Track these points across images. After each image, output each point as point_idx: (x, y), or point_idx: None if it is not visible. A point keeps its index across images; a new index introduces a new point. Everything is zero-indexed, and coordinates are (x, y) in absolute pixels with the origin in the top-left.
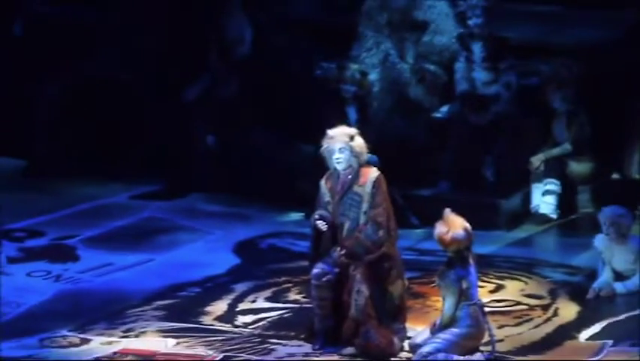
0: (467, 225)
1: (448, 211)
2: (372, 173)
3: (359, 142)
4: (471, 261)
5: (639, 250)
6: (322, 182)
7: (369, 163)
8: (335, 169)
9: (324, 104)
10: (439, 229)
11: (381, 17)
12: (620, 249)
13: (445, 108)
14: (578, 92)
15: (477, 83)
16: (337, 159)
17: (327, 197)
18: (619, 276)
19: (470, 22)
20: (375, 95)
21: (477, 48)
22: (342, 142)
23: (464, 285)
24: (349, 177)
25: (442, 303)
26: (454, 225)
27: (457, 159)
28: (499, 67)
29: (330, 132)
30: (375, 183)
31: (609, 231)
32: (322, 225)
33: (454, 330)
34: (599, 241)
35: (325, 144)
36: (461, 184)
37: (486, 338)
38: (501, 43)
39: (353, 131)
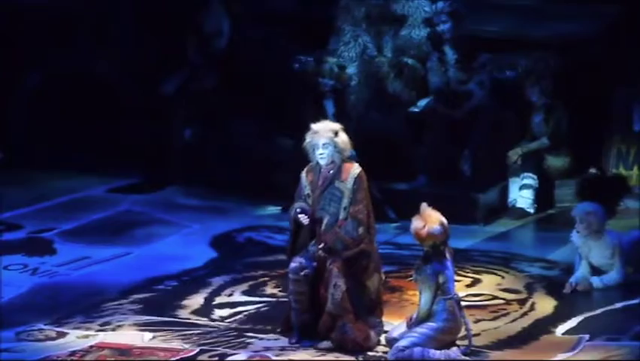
0: (443, 219)
1: (424, 206)
2: (354, 169)
3: (343, 138)
4: (448, 255)
5: (615, 244)
6: (303, 174)
7: (349, 158)
8: (317, 163)
9: (302, 97)
10: (415, 223)
11: (359, 11)
12: (596, 244)
13: (422, 102)
14: (556, 85)
15: (451, 81)
16: (321, 154)
17: (307, 190)
18: (596, 270)
19: (438, 28)
20: (353, 89)
21: (448, 50)
22: (327, 137)
23: (441, 279)
24: (331, 172)
25: (418, 297)
26: (430, 219)
27: (434, 154)
28: (472, 66)
29: (315, 127)
30: (357, 180)
31: (579, 228)
32: (304, 218)
33: (431, 324)
34: (576, 235)
35: (309, 138)
36: (438, 178)
37: (462, 333)
38: (473, 43)
39: (337, 126)
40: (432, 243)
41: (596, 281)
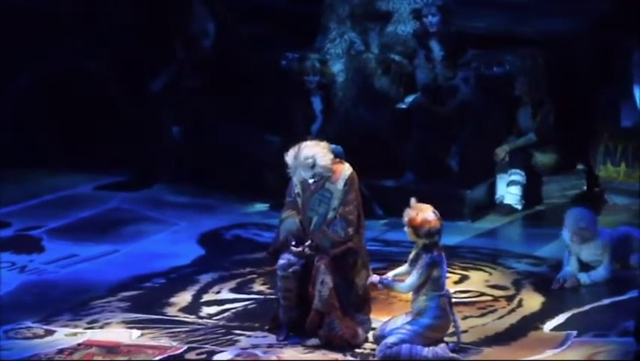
0: (435, 210)
1: (414, 201)
2: (345, 170)
3: (322, 164)
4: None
5: (606, 243)
6: None
7: (335, 155)
8: None
9: (290, 94)
10: (409, 213)
11: (343, 9)
12: (587, 245)
13: (409, 99)
14: (544, 82)
15: (438, 77)
16: (308, 179)
17: (297, 188)
18: (584, 266)
19: (426, 21)
20: (340, 85)
21: (435, 45)
22: (306, 171)
23: (435, 273)
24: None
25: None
26: (422, 209)
27: (422, 150)
28: (458, 62)
29: (290, 161)
30: (348, 181)
31: (573, 239)
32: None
33: (421, 321)
34: (566, 235)
35: (289, 171)
36: (426, 175)
37: (451, 330)
38: (460, 39)
39: (312, 153)
40: (427, 230)
41: (583, 277)
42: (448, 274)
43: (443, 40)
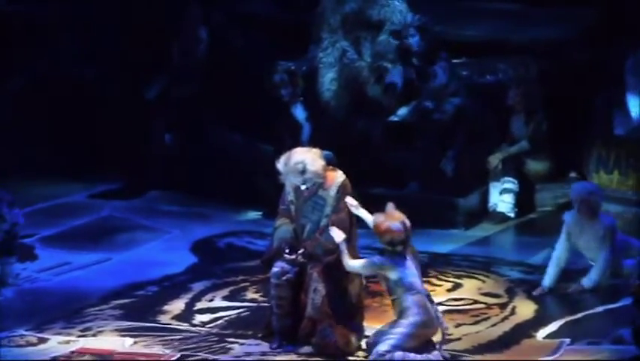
0: (406, 220)
1: (391, 206)
2: (338, 177)
3: (312, 169)
4: (408, 256)
5: (607, 228)
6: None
7: (326, 161)
8: None
9: (271, 108)
10: (377, 218)
11: (335, 19)
12: (590, 225)
13: (402, 111)
14: (536, 90)
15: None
16: (299, 185)
17: (290, 196)
18: (565, 273)
19: (406, 41)
20: (333, 94)
21: (415, 61)
22: (296, 178)
23: (392, 275)
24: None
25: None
26: (392, 216)
27: (425, 160)
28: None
29: (281, 168)
30: (340, 188)
31: (581, 208)
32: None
33: (405, 321)
34: (570, 215)
35: (281, 177)
36: (427, 184)
37: (441, 332)
38: (438, 54)
39: (302, 160)
40: (389, 239)
41: (586, 282)
42: (442, 282)
43: (422, 58)
